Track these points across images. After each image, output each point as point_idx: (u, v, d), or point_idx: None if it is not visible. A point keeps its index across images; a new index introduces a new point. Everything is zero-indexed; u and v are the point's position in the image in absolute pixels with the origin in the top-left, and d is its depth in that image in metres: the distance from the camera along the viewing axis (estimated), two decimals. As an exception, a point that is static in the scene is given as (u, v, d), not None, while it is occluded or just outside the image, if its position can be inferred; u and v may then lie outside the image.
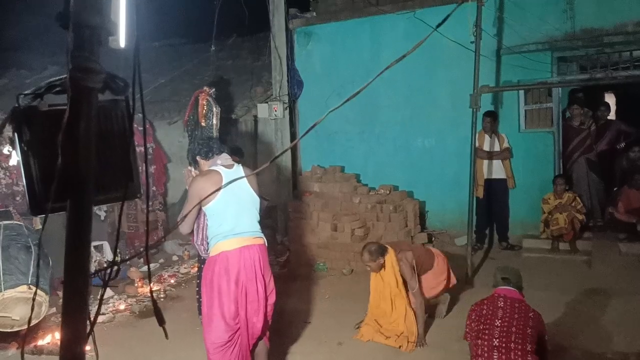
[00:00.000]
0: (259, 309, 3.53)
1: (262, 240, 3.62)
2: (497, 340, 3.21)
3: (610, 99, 9.58)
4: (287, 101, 7.54)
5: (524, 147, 6.95)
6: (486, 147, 6.85)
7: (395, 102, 7.59)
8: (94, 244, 6.79)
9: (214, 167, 3.61)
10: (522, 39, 6.77)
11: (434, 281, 4.86)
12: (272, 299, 3.65)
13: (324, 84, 7.81)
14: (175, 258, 7.36)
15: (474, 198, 6.15)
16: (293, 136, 7.74)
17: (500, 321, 3.26)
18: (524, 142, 6.97)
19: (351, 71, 7.67)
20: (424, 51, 7.23)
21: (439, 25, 4.30)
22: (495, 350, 3.19)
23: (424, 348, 4.46)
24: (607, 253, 6.40)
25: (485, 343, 3.24)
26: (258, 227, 3.62)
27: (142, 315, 5.57)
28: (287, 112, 7.56)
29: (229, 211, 3.49)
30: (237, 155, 5.11)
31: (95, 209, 6.73)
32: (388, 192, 7.08)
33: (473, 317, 3.39)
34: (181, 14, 8.52)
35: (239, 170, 3.64)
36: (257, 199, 3.65)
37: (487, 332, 3.26)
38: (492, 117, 6.82)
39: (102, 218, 7.11)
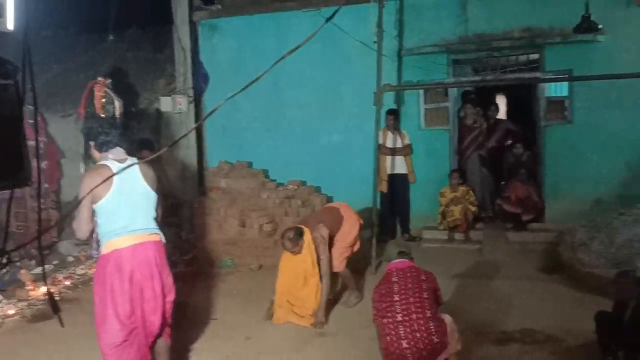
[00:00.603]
0: (156, 308, 3.42)
1: (158, 237, 3.48)
2: (400, 315, 3.39)
3: (501, 100, 10.34)
4: (191, 94, 7.37)
5: (423, 144, 7.33)
6: (389, 144, 7.15)
7: (302, 100, 7.69)
8: (-22, 246, 6.22)
9: (105, 162, 3.40)
10: (421, 41, 7.15)
11: (342, 246, 5.05)
12: (170, 296, 3.54)
13: (230, 79, 7.70)
14: (70, 259, 6.96)
15: (378, 192, 6.40)
16: (199, 131, 7.59)
17: (398, 296, 3.44)
18: (424, 139, 7.35)
19: (257, 66, 7.47)
20: (330, 50, 7.50)
21: (329, 18, 4.44)
22: (401, 326, 3.37)
23: (331, 337, 4.58)
24: (496, 241, 6.94)
25: (390, 320, 3.41)
26: (154, 224, 3.48)
27: (35, 319, 5.23)
28: (192, 105, 7.39)
29: (121, 208, 3.33)
30: (148, 147, 4.93)
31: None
32: (296, 187, 7.16)
33: (376, 298, 3.55)
34: (76, 1, 8.03)
35: (133, 165, 3.45)
36: (153, 195, 3.48)
37: (390, 309, 3.44)
38: (394, 115, 7.13)
39: (-14, 218, 6.53)
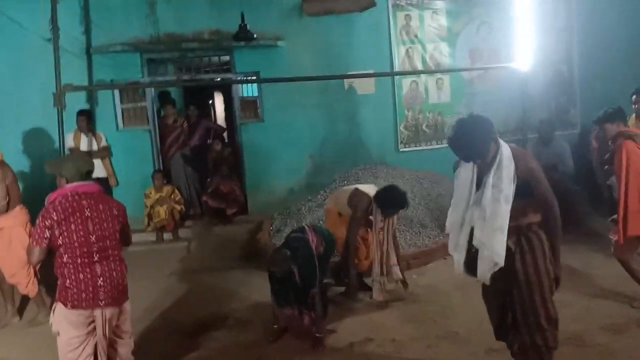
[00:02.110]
0: None
1: None
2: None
3: (219, 99, 10.73)
4: None
5: (123, 145, 7.13)
6: (83, 147, 6.73)
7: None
8: None
9: None
10: (111, 39, 6.91)
11: None
12: None
13: None
14: None
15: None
16: None
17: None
18: (123, 140, 7.16)
19: None
20: (6, 48, 6.68)
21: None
22: None
23: None
24: (203, 237, 7.19)
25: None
26: None
27: None
28: None
29: None
30: None
31: None
32: None
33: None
34: None
35: None
36: None
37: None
38: (85, 115, 6.71)
39: None
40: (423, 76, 7.85)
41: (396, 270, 5.03)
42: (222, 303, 5.23)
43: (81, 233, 3.20)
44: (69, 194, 3.27)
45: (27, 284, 4.90)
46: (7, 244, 4.78)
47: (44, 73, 6.65)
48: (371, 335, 4.30)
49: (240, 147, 7.69)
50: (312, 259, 4.35)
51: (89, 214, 3.25)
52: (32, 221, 4.47)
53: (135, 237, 6.99)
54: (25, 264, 4.79)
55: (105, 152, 6.89)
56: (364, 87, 7.68)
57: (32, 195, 5.48)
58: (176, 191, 7.25)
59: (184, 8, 7.20)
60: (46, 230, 3.17)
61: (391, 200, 4.89)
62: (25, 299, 5.21)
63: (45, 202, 3.28)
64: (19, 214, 4.88)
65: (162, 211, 7.04)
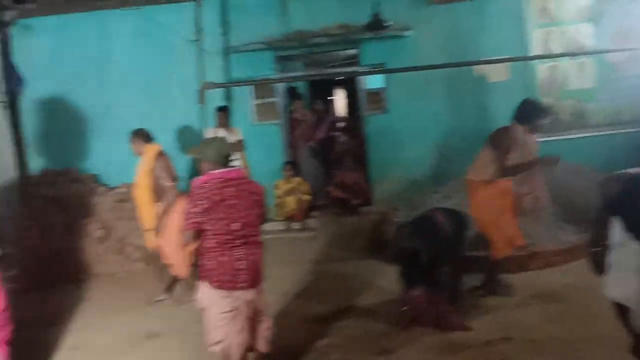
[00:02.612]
0: None
1: None
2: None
3: (341, 94, 10.92)
4: (4, 100, 6.84)
5: (255, 138, 7.50)
6: None
7: (131, 100, 7.48)
8: None
9: None
10: (247, 38, 7.32)
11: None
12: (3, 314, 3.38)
13: (48, 81, 7.29)
14: None
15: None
16: (14, 134, 7.09)
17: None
18: (256, 134, 7.54)
19: (78, 66, 7.35)
20: (157, 48, 7.40)
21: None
22: None
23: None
24: (329, 227, 7.38)
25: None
26: None
27: None
28: (6, 111, 6.88)
29: None
30: None
31: None
32: (126, 190, 6.96)
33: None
34: None
35: None
36: None
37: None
38: (223, 111, 7.21)
39: None
40: (562, 60, 7.31)
41: None
42: (349, 292, 5.32)
43: (226, 220, 3.33)
44: (216, 180, 3.40)
45: (179, 265, 5.29)
46: (167, 227, 5.23)
47: (188, 73, 7.27)
48: (508, 334, 4.09)
49: (365, 139, 7.75)
50: (440, 237, 4.24)
51: (235, 201, 3.37)
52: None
53: (265, 226, 7.48)
54: (179, 247, 5.18)
55: (240, 146, 7.34)
56: (496, 74, 7.33)
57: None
58: (304, 182, 7.51)
59: (314, 5, 7.40)
60: (196, 215, 3.33)
61: (532, 106, 4.66)
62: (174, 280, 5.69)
63: (191, 187, 3.44)
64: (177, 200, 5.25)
65: (291, 201, 7.34)
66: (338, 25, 7.43)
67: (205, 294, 3.45)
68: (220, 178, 3.42)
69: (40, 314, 5.24)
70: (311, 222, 7.53)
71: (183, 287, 5.40)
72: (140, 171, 5.31)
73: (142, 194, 5.29)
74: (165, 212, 5.18)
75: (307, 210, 7.52)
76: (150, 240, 5.37)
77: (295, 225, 7.44)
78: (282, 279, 5.64)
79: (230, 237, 3.36)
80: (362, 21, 7.35)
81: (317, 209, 7.82)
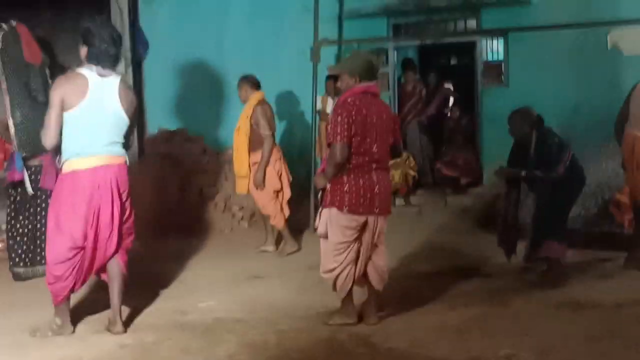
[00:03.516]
0: (112, 232, 3.38)
1: (121, 159, 3.40)
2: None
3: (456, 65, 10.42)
4: (129, 58, 7.22)
5: (365, 109, 7.37)
6: (329, 111, 7.15)
7: (245, 67, 7.58)
8: None
9: (81, 70, 3.30)
10: (361, 4, 7.21)
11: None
12: (129, 222, 3.51)
13: (170, 46, 7.57)
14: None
15: (318, 159, 6.43)
16: (138, 96, 7.44)
17: None
18: (365, 104, 7.40)
19: (198, 33, 7.60)
20: (270, 14, 7.49)
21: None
22: None
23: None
24: (435, 204, 7.05)
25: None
26: (118, 147, 3.39)
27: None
28: (130, 69, 7.24)
29: (88, 124, 3.25)
30: None
31: None
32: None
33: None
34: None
35: (113, 82, 3.34)
36: (125, 120, 3.38)
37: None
38: (333, 79, 7.12)
39: None
40: None
41: None
42: (458, 257, 5.16)
43: (368, 140, 3.24)
44: (360, 94, 3.27)
45: (275, 216, 5.35)
46: (276, 173, 5.33)
47: (301, 40, 7.30)
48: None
49: (479, 115, 7.34)
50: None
51: (377, 121, 3.27)
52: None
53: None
54: (273, 197, 5.29)
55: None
56: (633, 46, 6.63)
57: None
58: (411, 157, 7.23)
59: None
60: (348, 126, 3.18)
61: None
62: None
63: (338, 102, 3.36)
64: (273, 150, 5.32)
65: (396, 175, 7.06)
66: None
67: (332, 220, 3.32)
68: (365, 92, 3.29)
69: (152, 254, 5.40)
70: (415, 199, 7.25)
71: (283, 237, 5.44)
72: (241, 117, 5.41)
73: (240, 140, 5.40)
74: (261, 162, 5.20)
75: (412, 187, 7.23)
76: (242, 187, 5.48)
77: (399, 200, 7.18)
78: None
79: (369, 158, 3.25)
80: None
81: (423, 186, 7.50)
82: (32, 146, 4.50)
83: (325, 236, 3.37)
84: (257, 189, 5.25)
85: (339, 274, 3.35)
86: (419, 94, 7.54)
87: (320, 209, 3.44)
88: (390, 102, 7.46)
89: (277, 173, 5.35)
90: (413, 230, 6.20)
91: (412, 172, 7.18)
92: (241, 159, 5.39)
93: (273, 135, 5.39)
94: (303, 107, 7.48)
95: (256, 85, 5.48)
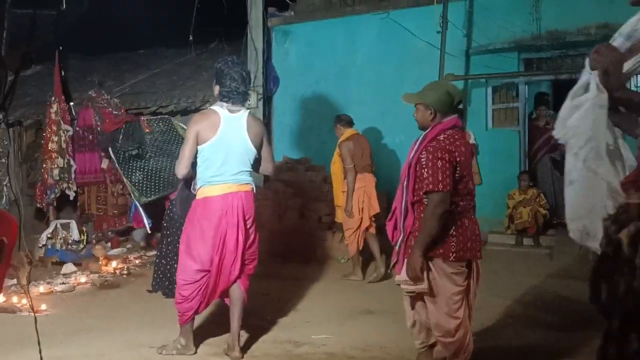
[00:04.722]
0: (236, 257, 3.56)
1: (249, 187, 3.61)
2: None
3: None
4: (261, 92, 7.69)
5: (490, 144, 7.08)
6: None
7: (366, 100, 7.73)
8: (61, 222, 6.83)
9: (214, 107, 3.60)
10: (490, 40, 6.99)
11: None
12: (253, 248, 3.69)
13: (299, 81, 7.98)
14: (142, 244, 7.32)
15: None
16: (268, 128, 7.87)
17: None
18: (491, 139, 7.11)
19: (325, 69, 7.89)
20: (394, 50, 7.55)
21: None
22: None
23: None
24: (568, 246, 6.47)
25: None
26: (246, 175, 3.60)
27: (103, 287, 5.62)
28: (261, 103, 7.70)
29: (219, 156, 3.51)
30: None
31: (64, 189, 6.82)
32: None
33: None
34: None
35: (242, 117, 3.59)
36: (252, 151, 3.59)
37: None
38: (459, 114, 6.98)
39: (71, 198, 7.14)
40: None
41: None
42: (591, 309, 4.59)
43: (466, 178, 2.93)
44: (450, 130, 2.94)
45: (349, 243, 5.80)
46: (356, 202, 5.68)
47: (425, 73, 7.24)
48: None
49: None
50: None
51: (467, 156, 2.95)
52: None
53: (494, 238, 6.96)
54: (350, 225, 5.69)
55: (473, 150, 7.00)
56: None
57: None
58: (541, 195, 6.81)
59: (568, 2, 6.77)
60: (450, 171, 2.80)
61: None
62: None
63: (430, 141, 2.92)
64: (370, 178, 5.81)
65: (525, 213, 6.69)
66: (597, 24, 6.64)
67: (437, 270, 2.90)
68: (454, 127, 2.96)
69: (270, 278, 5.58)
70: (546, 240, 6.75)
71: (352, 264, 5.82)
72: (335, 151, 5.99)
73: (333, 172, 6.07)
74: (347, 193, 5.67)
75: (542, 226, 6.77)
76: (338, 215, 5.99)
77: (527, 240, 6.75)
78: (509, 287, 5.19)
79: (469, 197, 2.97)
80: (623, 20, 6.43)
81: (555, 227, 6.98)
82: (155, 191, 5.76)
83: (432, 293, 2.94)
84: (348, 217, 5.67)
85: (465, 333, 2.94)
86: (551, 129, 7.06)
87: (395, 256, 3.05)
88: (519, 137, 7.12)
89: (358, 202, 5.66)
90: (540, 274, 5.78)
91: (542, 210, 6.74)
92: (336, 189, 6.02)
93: (366, 167, 5.83)
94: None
95: (348, 123, 6.04)
